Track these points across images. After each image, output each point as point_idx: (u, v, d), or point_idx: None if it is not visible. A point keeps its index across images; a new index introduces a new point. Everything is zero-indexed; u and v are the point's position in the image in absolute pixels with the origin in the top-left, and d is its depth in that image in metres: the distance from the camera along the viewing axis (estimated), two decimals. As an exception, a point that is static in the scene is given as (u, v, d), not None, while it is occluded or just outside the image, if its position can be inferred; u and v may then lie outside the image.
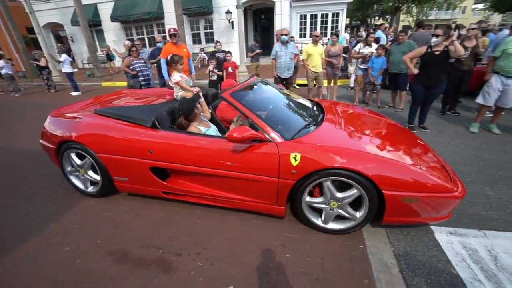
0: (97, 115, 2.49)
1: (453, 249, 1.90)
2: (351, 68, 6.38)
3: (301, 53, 6.59)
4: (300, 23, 13.60)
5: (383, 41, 7.21)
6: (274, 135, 1.98)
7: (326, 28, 13.45)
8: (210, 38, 13.19)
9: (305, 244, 1.95)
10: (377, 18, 26.79)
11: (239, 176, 2.02)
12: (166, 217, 2.31)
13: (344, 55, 7.57)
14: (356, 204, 1.92)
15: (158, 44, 5.54)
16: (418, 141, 2.40)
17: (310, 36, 12.69)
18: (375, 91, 5.51)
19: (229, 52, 5.89)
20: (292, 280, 1.67)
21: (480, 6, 28.37)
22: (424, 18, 28.09)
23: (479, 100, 3.89)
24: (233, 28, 12.65)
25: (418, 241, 1.98)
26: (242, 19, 9.57)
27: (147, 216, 2.33)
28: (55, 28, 16.25)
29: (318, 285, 1.63)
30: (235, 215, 2.29)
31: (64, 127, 2.51)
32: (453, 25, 12.77)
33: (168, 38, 4.66)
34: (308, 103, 2.81)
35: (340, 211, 1.95)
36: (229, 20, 12.41)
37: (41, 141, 2.72)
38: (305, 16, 13.48)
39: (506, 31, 4.77)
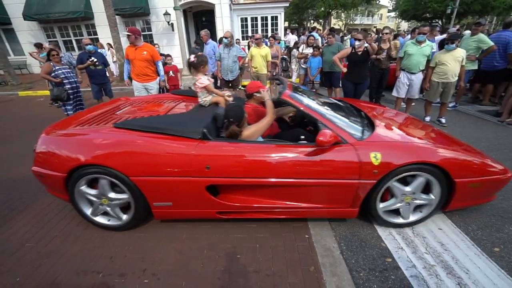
0: (120, 129, 1.98)
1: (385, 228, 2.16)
2: (294, 67, 6.76)
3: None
4: (242, 26, 13.83)
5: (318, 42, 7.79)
6: (347, 136, 1.91)
7: (267, 30, 13.94)
8: (149, 40, 12.39)
9: (255, 242, 1.98)
10: (312, 21, 28.95)
11: (314, 183, 1.88)
12: (104, 237, 2.08)
13: (285, 56, 7.96)
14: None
15: (87, 47, 4.91)
16: (443, 132, 2.50)
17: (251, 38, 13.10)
18: (313, 89, 5.93)
19: (169, 55, 5.63)
20: (244, 280, 1.67)
21: (393, 14, 33.25)
22: (351, 22, 31.65)
23: (394, 93, 4.61)
24: (173, 30, 12.15)
25: (354, 224, 2.20)
26: (182, 21, 9.26)
27: (82, 239, 2.07)
28: None
29: (269, 280, 1.67)
30: (182, 223, 2.19)
31: (76, 147, 1.93)
32: (374, 29, 14.60)
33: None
34: (342, 104, 2.73)
35: (416, 201, 2.01)
36: (168, 22, 11.87)
37: (36, 168, 2.07)
38: (246, 19, 13.77)
39: (409, 36, 5.70)
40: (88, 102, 5.71)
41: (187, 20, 13.53)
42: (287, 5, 14.33)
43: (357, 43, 4.11)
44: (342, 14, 27.94)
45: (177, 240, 2.03)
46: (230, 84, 5.43)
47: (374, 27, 26.62)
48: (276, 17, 13.81)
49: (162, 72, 4.23)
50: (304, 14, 26.19)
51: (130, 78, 4.21)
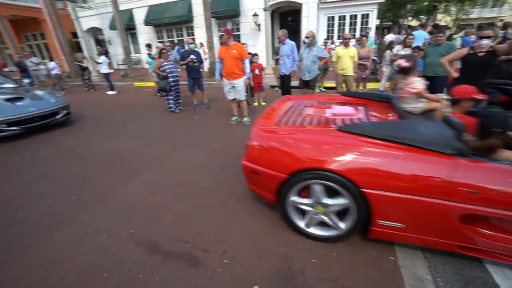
0: (347, 133, 1.78)
1: (502, 272, 1.73)
2: (386, 71, 6.09)
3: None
4: (328, 25, 13.34)
5: (420, 41, 6.74)
6: None
7: (354, 30, 13.05)
8: (237, 40, 13.40)
9: (332, 251, 1.90)
10: (410, 18, 25.46)
11: None
12: (193, 212, 2.38)
13: (375, 57, 7.28)
14: None
15: (190, 46, 5.65)
16: None
17: (338, 38, 12.48)
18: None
19: (256, 54, 5.94)
20: (318, 285, 1.63)
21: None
22: (465, 17, 26.11)
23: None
24: (259, 30, 12.75)
25: (457, 259, 1.84)
26: (269, 22, 9.62)
27: (176, 212, 2.41)
28: (95, 33, 17.48)
29: (346, 293, 1.58)
30: (264, 217, 2.29)
31: (303, 149, 1.81)
32: (500, 24, 11.73)
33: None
34: None
35: None
36: (255, 23, 12.53)
37: (248, 163, 2.07)
38: (332, 18, 13.21)
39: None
40: (183, 94, 6.60)
41: (273, 20, 13.98)
42: (383, 0, 13.04)
43: (484, 41, 3.36)
44: (453, 7, 23.38)
45: (257, 232, 2.12)
46: (307, 84, 5.34)
47: (501, 20, 21.34)
48: (367, 15, 12.76)
49: (248, 70, 4.48)
50: (400, 10, 23.28)
51: (221, 76, 4.65)
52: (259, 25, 12.59)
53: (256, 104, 6.16)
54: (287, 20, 14.51)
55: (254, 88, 5.80)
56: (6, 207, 2.66)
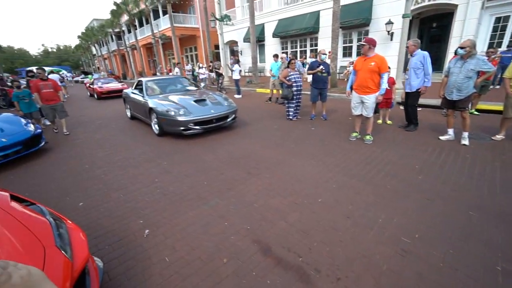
0: None
1: None
2: None
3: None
4: (494, 29, 10.33)
5: None
6: None
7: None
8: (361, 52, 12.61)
9: None
10: None
11: None
12: (312, 227, 2.32)
13: None
14: None
15: (322, 57, 5.74)
16: None
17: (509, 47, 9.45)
18: None
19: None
20: None
21: None
22: None
23: None
24: (391, 40, 11.49)
25: None
26: (406, 30, 8.46)
27: (292, 222, 2.42)
28: (231, 44, 20.89)
29: None
30: (387, 247, 1.97)
31: None
32: None
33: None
34: None
35: None
36: (388, 32, 11.36)
37: None
38: (503, 19, 10.08)
39: None
40: (303, 103, 6.75)
41: (410, 27, 12.27)
42: None
43: None
44: None
45: (380, 264, 1.86)
46: (453, 105, 4.22)
47: None
48: None
49: (384, 85, 4.02)
50: None
51: (351, 89, 4.42)
52: (391, 34, 11.37)
53: (380, 121, 5.53)
54: (429, 26, 12.41)
55: (381, 104, 5.22)
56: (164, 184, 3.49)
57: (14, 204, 1.61)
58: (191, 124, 4.91)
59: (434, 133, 4.58)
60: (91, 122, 7.62)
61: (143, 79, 6.48)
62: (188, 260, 2.00)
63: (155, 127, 5.51)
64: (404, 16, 8.14)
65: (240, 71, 11.12)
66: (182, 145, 4.81)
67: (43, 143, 4.98)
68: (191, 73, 15.53)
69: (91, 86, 14.42)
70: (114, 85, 13.96)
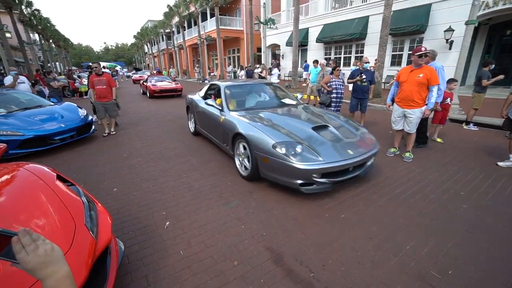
0: None
1: None
2: None
3: None
4: None
5: None
6: None
7: None
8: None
9: None
10: None
11: None
12: (329, 242, 2.25)
13: None
14: None
15: (365, 65, 5.54)
16: None
17: None
18: None
19: (453, 79, 4.88)
20: None
21: None
22: None
23: None
24: (450, 49, 10.51)
25: None
26: (469, 38, 7.65)
27: (310, 234, 2.37)
28: (273, 48, 21.12)
29: None
30: (412, 278, 1.82)
31: None
32: None
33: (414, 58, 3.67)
34: None
35: None
36: (447, 40, 10.41)
37: None
38: None
39: None
40: (343, 112, 6.53)
41: (476, 35, 11.10)
42: None
43: None
44: None
45: (393, 297, 1.73)
46: None
47: None
48: None
49: (432, 99, 3.68)
50: None
51: (392, 101, 4.17)
52: (451, 42, 10.40)
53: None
54: (500, 34, 11.08)
55: (434, 118, 4.84)
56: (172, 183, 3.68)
57: (58, 183, 1.86)
58: (316, 175, 2.79)
59: (491, 158, 4.06)
60: (135, 114, 8.35)
61: (221, 84, 4.64)
62: (201, 257, 2.09)
63: (244, 164, 3.47)
64: (468, 23, 7.38)
65: (279, 75, 11.17)
66: (213, 144, 5.01)
67: (92, 131, 5.62)
68: (231, 74, 16.06)
69: (144, 83, 14.17)
70: (168, 84, 13.32)
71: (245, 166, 3.46)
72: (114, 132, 6.07)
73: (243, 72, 13.18)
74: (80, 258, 1.37)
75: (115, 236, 1.94)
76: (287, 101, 4.65)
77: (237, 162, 3.65)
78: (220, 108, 4.13)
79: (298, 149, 2.85)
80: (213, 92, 4.94)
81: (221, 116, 4.02)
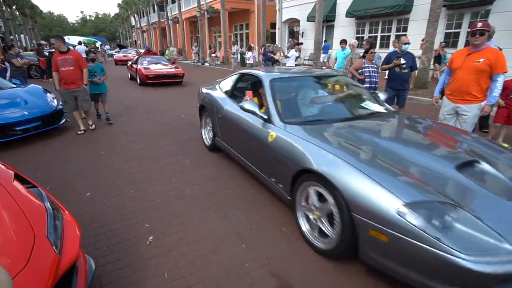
0: None
1: None
2: None
3: None
4: None
5: None
6: None
7: None
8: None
9: None
10: None
11: None
12: (351, 270, 2.23)
13: None
14: None
15: (404, 47, 5.32)
16: None
17: None
18: None
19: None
20: None
21: None
22: None
23: None
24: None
25: None
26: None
27: (325, 258, 2.36)
28: (291, 24, 21.05)
29: None
30: None
31: None
32: None
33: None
34: None
35: None
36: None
37: None
38: None
39: None
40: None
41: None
42: None
43: None
44: None
45: None
46: None
47: None
48: None
49: (495, 93, 3.50)
50: None
51: (441, 93, 4.05)
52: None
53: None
54: None
55: (497, 117, 4.70)
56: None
57: (16, 184, 1.89)
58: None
59: None
60: (119, 104, 8.50)
61: (261, 74, 3.61)
62: (189, 282, 2.09)
63: (319, 226, 2.36)
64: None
65: (297, 57, 11.11)
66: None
67: (63, 121, 5.74)
68: (236, 56, 16.05)
69: (133, 66, 13.38)
70: (166, 67, 12.70)
71: (321, 231, 2.37)
72: (93, 127, 5.91)
73: (251, 54, 13.12)
74: (38, 278, 1.39)
75: (84, 252, 1.96)
76: (370, 106, 3.51)
77: (302, 221, 2.56)
78: (266, 117, 3.05)
79: (456, 222, 1.68)
80: (247, 87, 4.13)
81: (268, 131, 2.92)
